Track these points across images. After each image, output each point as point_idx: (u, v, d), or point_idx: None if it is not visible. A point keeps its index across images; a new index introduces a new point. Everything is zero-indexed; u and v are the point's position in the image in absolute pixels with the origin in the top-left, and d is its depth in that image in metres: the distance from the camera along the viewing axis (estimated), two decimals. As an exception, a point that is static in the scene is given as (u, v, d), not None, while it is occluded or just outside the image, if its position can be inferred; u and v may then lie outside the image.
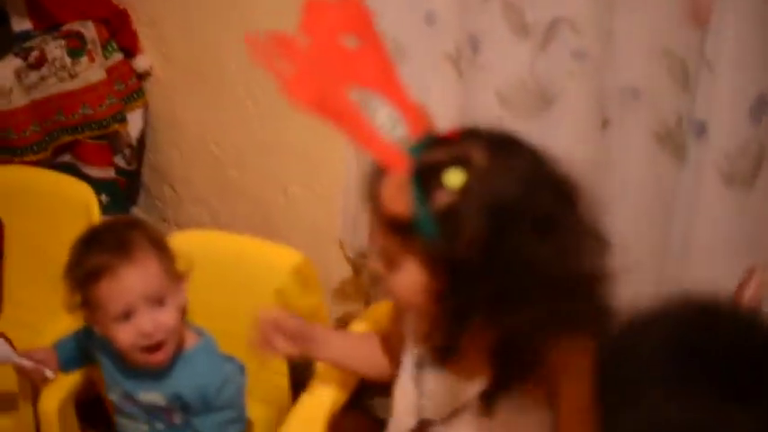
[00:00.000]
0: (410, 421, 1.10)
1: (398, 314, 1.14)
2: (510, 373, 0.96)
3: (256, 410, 1.49)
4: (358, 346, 1.26)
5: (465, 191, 0.86)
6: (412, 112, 0.93)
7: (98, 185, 1.82)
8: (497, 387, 0.98)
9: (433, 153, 0.90)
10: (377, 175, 0.93)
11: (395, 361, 1.20)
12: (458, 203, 0.86)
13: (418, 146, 0.91)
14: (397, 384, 1.13)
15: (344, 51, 0.92)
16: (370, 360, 1.24)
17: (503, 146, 0.91)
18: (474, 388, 1.02)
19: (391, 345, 1.20)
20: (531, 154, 0.92)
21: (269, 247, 1.49)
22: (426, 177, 0.87)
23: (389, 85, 0.93)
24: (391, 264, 0.94)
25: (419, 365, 1.08)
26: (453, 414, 1.05)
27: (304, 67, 0.88)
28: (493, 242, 0.86)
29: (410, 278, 0.93)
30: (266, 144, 1.87)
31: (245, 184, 1.96)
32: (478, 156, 0.88)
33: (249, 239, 1.54)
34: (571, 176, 0.92)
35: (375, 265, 0.96)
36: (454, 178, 0.86)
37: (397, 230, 0.91)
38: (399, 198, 0.88)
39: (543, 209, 0.90)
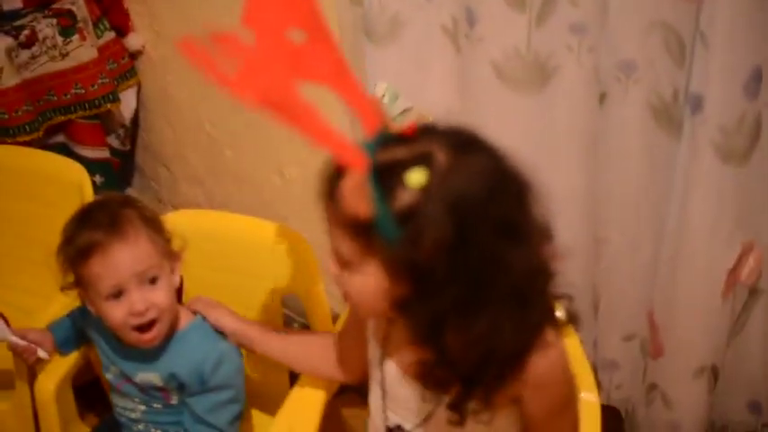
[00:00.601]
0: (381, 425, 1.09)
1: (357, 316, 1.13)
2: (478, 379, 0.93)
3: (253, 391, 1.49)
4: (296, 347, 1.27)
5: (427, 190, 0.82)
6: (366, 107, 0.87)
7: (92, 166, 1.81)
8: (466, 395, 0.95)
9: (391, 150, 0.85)
10: (334, 173, 0.89)
11: (349, 363, 1.20)
12: (420, 203, 0.82)
13: (373, 143, 0.86)
14: (370, 386, 1.13)
15: (291, 46, 0.85)
16: (310, 361, 1.25)
17: (463, 144, 0.87)
18: (434, 396, 1.01)
19: (345, 346, 1.20)
20: (490, 152, 0.89)
21: (266, 226, 1.48)
22: (386, 176, 0.83)
23: (342, 80, 0.87)
24: (349, 266, 0.91)
25: (381, 368, 1.07)
26: (424, 421, 1.03)
27: (249, 63, 0.81)
28: (457, 243, 0.83)
29: (370, 283, 0.89)
30: (261, 123, 1.86)
31: (241, 164, 1.94)
32: (440, 154, 0.84)
33: (245, 219, 1.52)
34: (525, 175, 0.89)
35: (330, 266, 0.93)
36: (416, 177, 0.82)
37: (357, 233, 0.87)
38: (359, 198, 0.84)
39: (504, 209, 0.87)
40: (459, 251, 0.83)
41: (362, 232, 0.86)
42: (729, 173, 1.28)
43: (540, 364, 0.94)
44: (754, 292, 1.40)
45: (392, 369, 1.06)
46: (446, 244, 0.83)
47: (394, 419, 1.08)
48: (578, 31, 1.33)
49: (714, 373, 1.45)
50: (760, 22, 1.19)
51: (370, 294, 0.91)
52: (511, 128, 1.38)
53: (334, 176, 0.88)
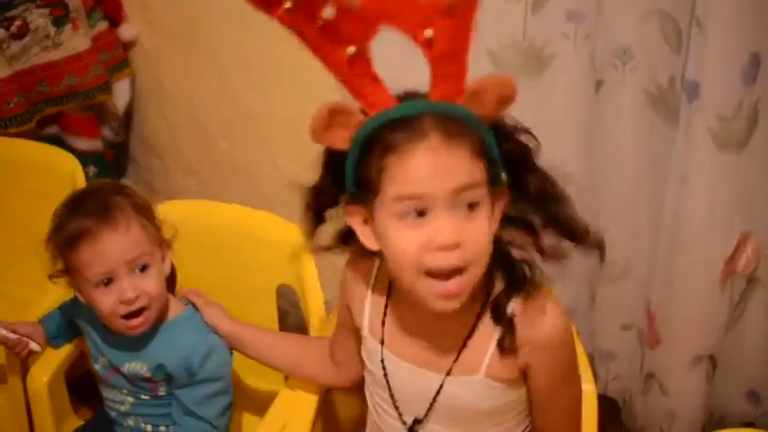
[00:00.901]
0: (397, 426, 1.08)
1: (349, 313, 1.12)
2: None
3: (249, 384, 1.48)
4: (290, 353, 1.25)
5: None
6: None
7: (85, 157, 1.80)
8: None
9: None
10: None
11: (344, 366, 1.19)
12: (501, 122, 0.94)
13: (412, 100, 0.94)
14: (373, 392, 1.12)
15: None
16: (304, 367, 1.24)
17: None
18: (440, 378, 1.02)
19: (340, 349, 1.19)
20: None
21: (260, 216, 1.48)
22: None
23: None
24: (476, 207, 0.91)
25: (381, 364, 1.06)
26: (434, 400, 1.03)
27: None
28: (529, 158, 0.96)
29: (495, 212, 0.94)
30: (256, 115, 1.85)
31: (235, 155, 1.93)
32: None
33: (239, 209, 1.51)
34: None
35: (447, 235, 0.89)
36: None
37: (482, 157, 0.91)
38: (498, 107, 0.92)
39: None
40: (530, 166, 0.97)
41: (483, 156, 0.91)
42: (726, 160, 1.27)
43: (544, 325, 0.97)
44: (751, 281, 1.40)
45: (393, 361, 1.05)
46: (525, 157, 0.97)
47: (409, 417, 1.07)
48: (574, 19, 1.32)
49: (712, 363, 1.44)
50: (757, 8, 1.18)
51: (495, 225, 0.94)
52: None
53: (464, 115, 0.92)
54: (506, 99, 0.92)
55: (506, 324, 0.97)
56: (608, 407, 1.58)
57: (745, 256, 1.36)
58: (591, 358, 1.54)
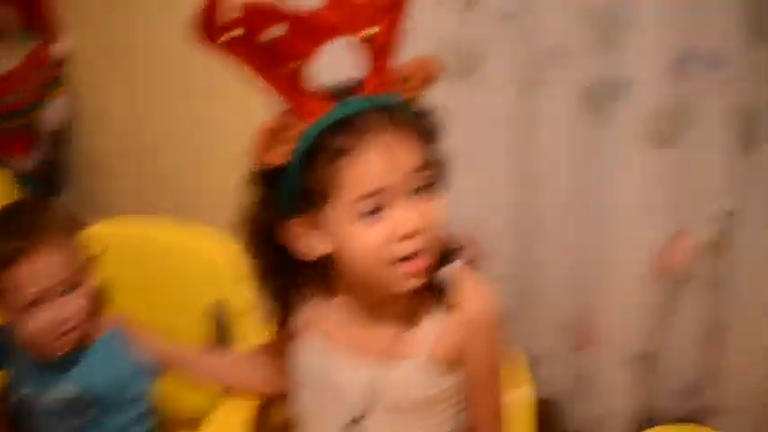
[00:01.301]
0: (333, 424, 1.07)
1: (287, 313, 1.10)
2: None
3: (186, 399, 1.45)
4: (235, 367, 1.24)
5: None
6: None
7: (20, 177, 1.77)
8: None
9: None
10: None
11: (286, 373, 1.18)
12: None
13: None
14: (293, 399, 1.11)
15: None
16: (252, 380, 1.22)
17: None
18: (383, 364, 1.02)
19: (284, 355, 1.17)
20: None
21: (199, 232, 1.45)
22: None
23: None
24: (431, 187, 0.94)
25: (325, 363, 1.06)
26: (375, 393, 1.03)
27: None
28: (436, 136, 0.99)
29: (436, 190, 0.96)
30: (196, 128, 1.83)
31: (180, 171, 1.91)
32: None
33: (178, 225, 1.49)
34: None
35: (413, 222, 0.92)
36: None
37: (423, 139, 0.95)
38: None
39: None
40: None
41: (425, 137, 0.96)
42: (659, 156, 1.29)
43: (481, 299, 1.00)
44: (684, 278, 1.41)
45: (334, 357, 1.05)
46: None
47: (347, 417, 1.05)
48: (507, 18, 1.33)
49: (645, 361, 1.44)
50: (687, 4, 1.20)
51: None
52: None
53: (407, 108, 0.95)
54: (433, 78, 0.96)
55: (447, 281, 0.99)
56: (543, 409, 1.57)
57: (678, 253, 1.37)
58: (525, 361, 1.54)
